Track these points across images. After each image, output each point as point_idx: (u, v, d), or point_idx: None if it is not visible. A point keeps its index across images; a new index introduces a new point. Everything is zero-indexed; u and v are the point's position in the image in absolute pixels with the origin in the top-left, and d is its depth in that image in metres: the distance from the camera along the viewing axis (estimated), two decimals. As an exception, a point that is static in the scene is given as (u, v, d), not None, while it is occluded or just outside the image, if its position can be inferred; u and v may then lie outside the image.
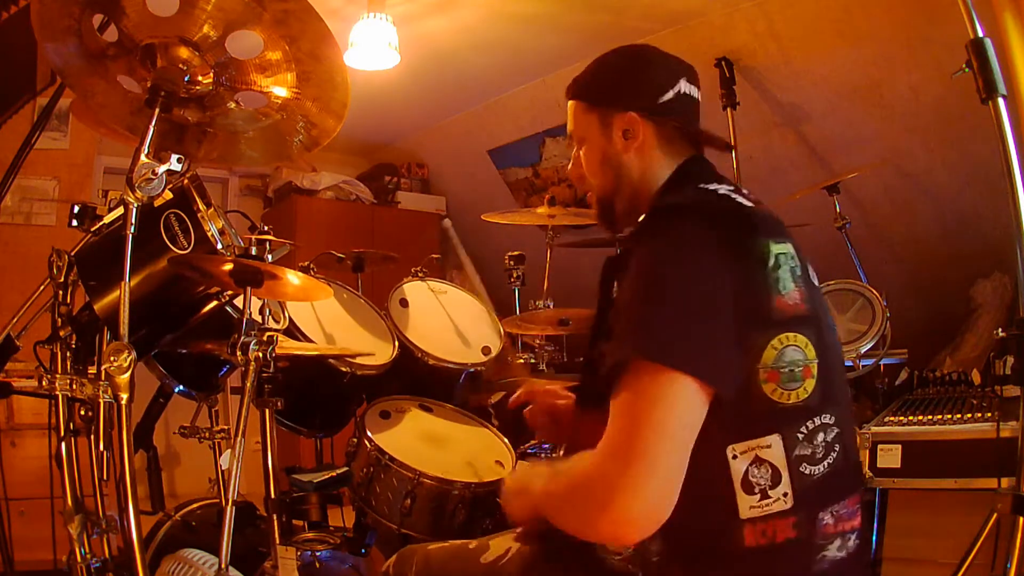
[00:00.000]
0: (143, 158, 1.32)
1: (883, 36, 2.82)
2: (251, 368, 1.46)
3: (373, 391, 2.18)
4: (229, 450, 1.43)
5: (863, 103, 3.05)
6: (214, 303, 1.67)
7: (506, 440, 2.15)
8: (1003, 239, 1.70)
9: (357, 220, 4.64)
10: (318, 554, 1.83)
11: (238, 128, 1.61)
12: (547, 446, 2.50)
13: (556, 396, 1.39)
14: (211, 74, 1.47)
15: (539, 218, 2.83)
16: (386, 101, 3.83)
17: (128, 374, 1.26)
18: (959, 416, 1.92)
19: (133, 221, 1.31)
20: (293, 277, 1.58)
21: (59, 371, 1.48)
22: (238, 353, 1.46)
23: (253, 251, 1.58)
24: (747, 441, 0.93)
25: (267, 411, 1.61)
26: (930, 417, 1.97)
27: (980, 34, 1.57)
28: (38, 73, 2.21)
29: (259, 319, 1.71)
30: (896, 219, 3.29)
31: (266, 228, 1.65)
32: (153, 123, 1.36)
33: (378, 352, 2.18)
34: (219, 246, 1.56)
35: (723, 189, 1.07)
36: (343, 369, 2.03)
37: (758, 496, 0.93)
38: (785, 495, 0.94)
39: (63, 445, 1.48)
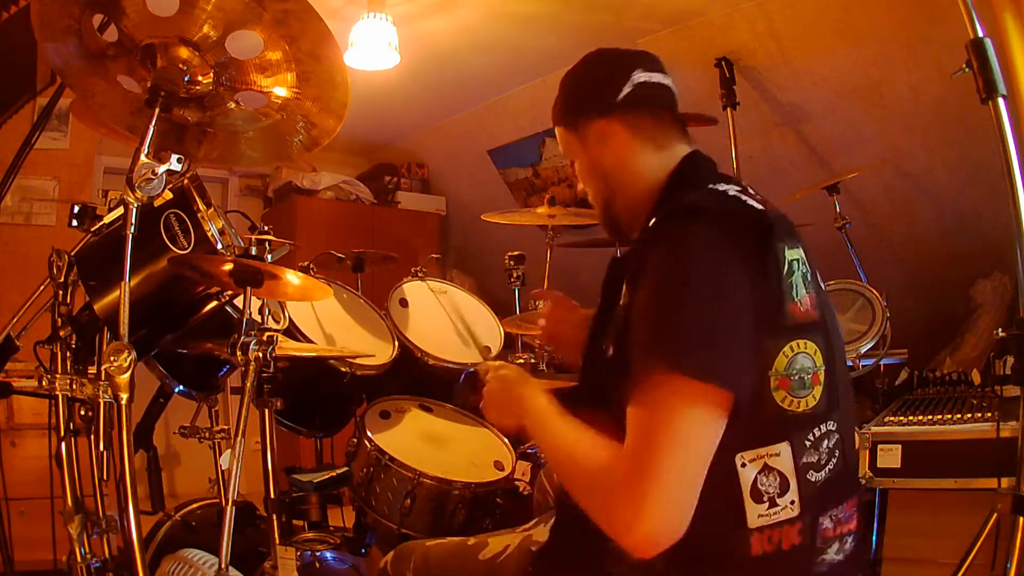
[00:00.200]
0: (143, 158, 1.32)
1: (883, 36, 2.82)
2: (251, 368, 1.46)
3: (373, 391, 2.18)
4: (229, 450, 1.43)
5: (863, 103, 3.05)
6: (214, 303, 1.67)
7: (506, 440, 2.15)
8: (1003, 239, 1.70)
9: (357, 220, 4.64)
10: (318, 554, 1.83)
11: (238, 128, 1.61)
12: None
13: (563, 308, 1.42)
14: (211, 74, 1.47)
15: (539, 218, 2.83)
16: (386, 101, 3.83)
17: (128, 374, 1.26)
18: (959, 416, 1.92)
19: (133, 221, 1.31)
20: (293, 277, 1.58)
21: (59, 371, 1.48)
22: (238, 353, 1.46)
23: (253, 251, 1.58)
24: (756, 449, 0.92)
25: (267, 411, 1.61)
26: (930, 417, 1.97)
27: (980, 34, 1.57)
28: (38, 73, 2.21)
29: (259, 319, 1.71)
30: (896, 219, 3.29)
31: (266, 228, 1.65)
32: (153, 123, 1.36)
33: (378, 352, 2.18)
34: (219, 246, 1.56)
35: (732, 190, 1.05)
36: (343, 369, 2.03)
37: (766, 504, 0.92)
38: (792, 503, 0.93)
39: (63, 445, 1.48)
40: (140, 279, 1.49)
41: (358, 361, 2.06)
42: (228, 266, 1.49)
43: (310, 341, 2.06)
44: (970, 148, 2.83)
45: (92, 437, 1.42)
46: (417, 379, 2.26)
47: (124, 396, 1.27)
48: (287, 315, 2.00)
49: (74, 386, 1.41)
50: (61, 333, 1.49)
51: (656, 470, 0.85)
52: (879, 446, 1.91)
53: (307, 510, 1.92)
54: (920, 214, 3.22)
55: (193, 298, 1.64)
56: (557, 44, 3.35)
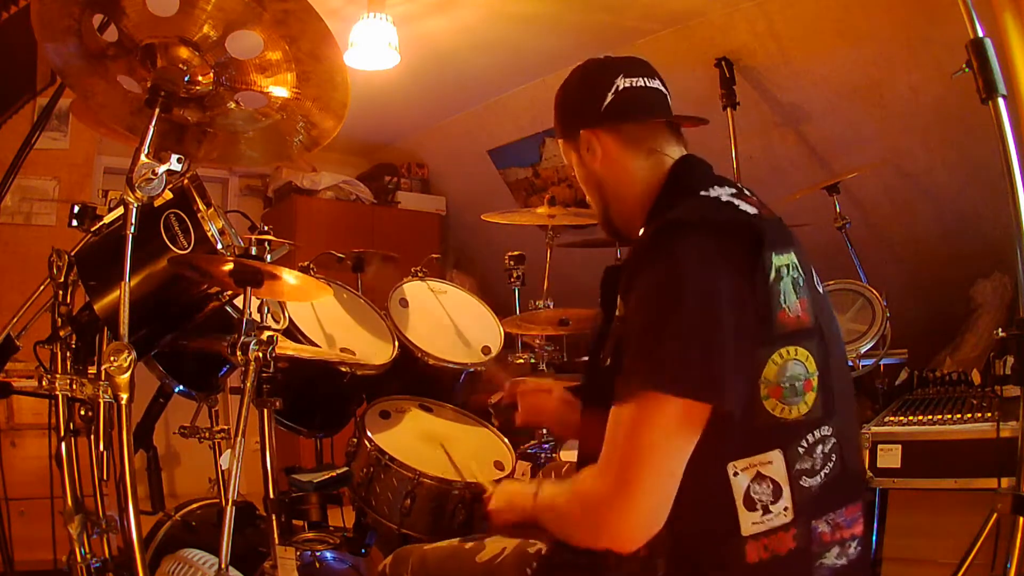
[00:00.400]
0: (143, 158, 1.32)
1: (883, 36, 2.82)
2: (251, 368, 1.46)
3: (373, 391, 2.18)
4: (229, 450, 1.43)
5: (863, 103, 3.05)
6: (214, 303, 1.67)
7: (506, 440, 2.15)
8: (1003, 239, 1.70)
9: (357, 220, 4.64)
10: (318, 554, 1.83)
11: (238, 128, 1.61)
12: (547, 446, 2.50)
13: (539, 391, 1.45)
14: (211, 74, 1.47)
15: (539, 218, 2.83)
16: (386, 101, 3.83)
17: (128, 374, 1.26)
18: (959, 416, 1.92)
19: (133, 221, 1.31)
20: (293, 277, 1.58)
21: (59, 371, 1.48)
22: (238, 353, 1.46)
23: (253, 251, 1.58)
24: (748, 458, 0.93)
25: (267, 411, 1.61)
26: (930, 417, 1.97)
27: (980, 34, 1.57)
28: (38, 73, 2.21)
29: (259, 319, 1.71)
30: (896, 219, 3.29)
31: (266, 228, 1.65)
32: (153, 123, 1.36)
33: (378, 352, 2.18)
34: (219, 246, 1.56)
35: (725, 195, 1.05)
36: (343, 369, 2.03)
37: (760, 512, 0.93)
38: (786, 509, 0.94)
39: (63, 445, 1.48)
40: (140, 279, 1.49)
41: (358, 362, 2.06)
42: (228, 266, 1.49)
43: (310, 341, 2.06)
44: (970, 148, 2.83)
45: (92, 437, 1.42)
46: (417, 379, 2.26)
47: (124, 396, 1.27)
48: (287, 315, 2.00)
49: (74, 386, 1.41)
50: (61, 333, 1.49)
51: (630, 478, 0.89)
52: (879, 446, 1.91)
53: (307, 510, 1.92)
54: (920, 214, 3.22)
55: (193, 298, 1.64)
56: (557, 44, 3.35)
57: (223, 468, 1.55)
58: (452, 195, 5.06)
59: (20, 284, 1.82)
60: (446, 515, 1.85)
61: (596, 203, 1.22)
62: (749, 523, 0.92)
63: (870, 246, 3.17)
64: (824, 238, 2.89)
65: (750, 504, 0.92)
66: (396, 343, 2.26)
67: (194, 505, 2.08)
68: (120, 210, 1.40)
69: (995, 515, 1.51)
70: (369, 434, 1.92)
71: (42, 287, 1.56)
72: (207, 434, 1.93)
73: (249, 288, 1.50)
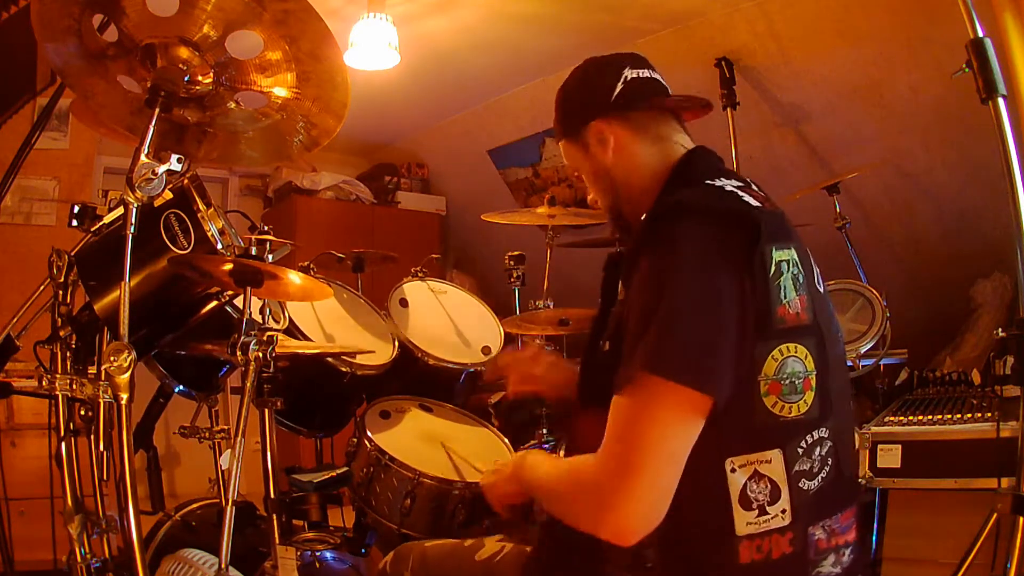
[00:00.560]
0: (143, 158, 1.31)
1: (883, 36, 2.82)
2: (251, 368, 1.46)
3: (373, 391, 2.18)
4: (229, 450, 1.43)
5: (863, 103, 3.05)
6: (214, 303, 1.67)
7: (506, 440, 2.15)
8: (1003, 239, 1.70)
9: (357, 220, 4.64)
10: (318, 554, 1.83)
11: (238, 128, 1.61)
12: (547, 446, 2.50)
13: (523, 359, 1.43)
14: (211, 74, 1.47)
15: (539, 218, 2.83)
16: (386, 101, 3.83)
17: (128, 374, 1.26)
18: (959, 416, 1.92)
19: (133, 221, 1.31)
20: (293, 277, 1.58)
21: (59, 371, 1.48)
22: (238, 353, 1.46)
23: (253, 251, 1.58)
24: (747, 455, 0.92)
25: (267, 411, 1.61)
26: (930, 417, 1.97)
27: (980, 34, 1.57)
28: (38, 73, 2.21)
29: (259, 319, 1.71)
30: (896, 219, 3.29)
31: (266, 228, 1.65)
32: (153, 123, 1.36)
33: (378, 352, 2.18)
34: (219, 246, 1.56)
35: (730, 186, 1.04)
36: (343, 369, 2.03)
37: (756, 512, 0.92)
38: (783, 511, 0.93)
39: (63, 445, 1.48)
40: (140, 279, 1.49)
41: (358, 361, 2.06)
42: (228, 266, 1.49)
43: (310, 341, 2.06)
44: (970, 148, 2.83)
45: (92, 437, 1.42)
46: (417, 379, 2.26)
47: (124, 396, 1.27)
48: (287, 315, 2.00)
49: (74, 386, 1.41)
50: (61, 333, 1.49)
51: (634, 465, 0.87)
52: (879, 446, 1.91)
53: (307, 510, 1.92)
54: (920, 214, 3.22)
55: (193, 298, 1.64)
56: (557, 44, 3.35)
57: (223, 468, 1.54)
58: (452, 195, 5.06)
59: (20, 284, 1.82)
60: (446, 515, 1.85)
61: (606, 197, 1.20)
62: (744, 523, 0.91)
63: (870, 246, 3.17)
64: (824, 238, 2.88)
65: (746, 503, 0.91)
66: (396, 343, 2.26)
67: (194, 505, 2.08)
68: (120, 210, 1.40)
69: (995, 515, 1.51)
70: (369, 434, 1.92)
71: (42, 287, 1.56)
72: (207, 434, 1.93)
73: (249, 288, 1.50)
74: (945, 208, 3.13)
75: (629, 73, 1.16)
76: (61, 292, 1.49)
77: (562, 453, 2.44)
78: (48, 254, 1.50)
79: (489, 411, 2.42)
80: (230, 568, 1.34)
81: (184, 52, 1.41)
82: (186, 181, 1.56)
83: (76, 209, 1.53)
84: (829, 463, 0.97)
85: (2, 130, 2.34)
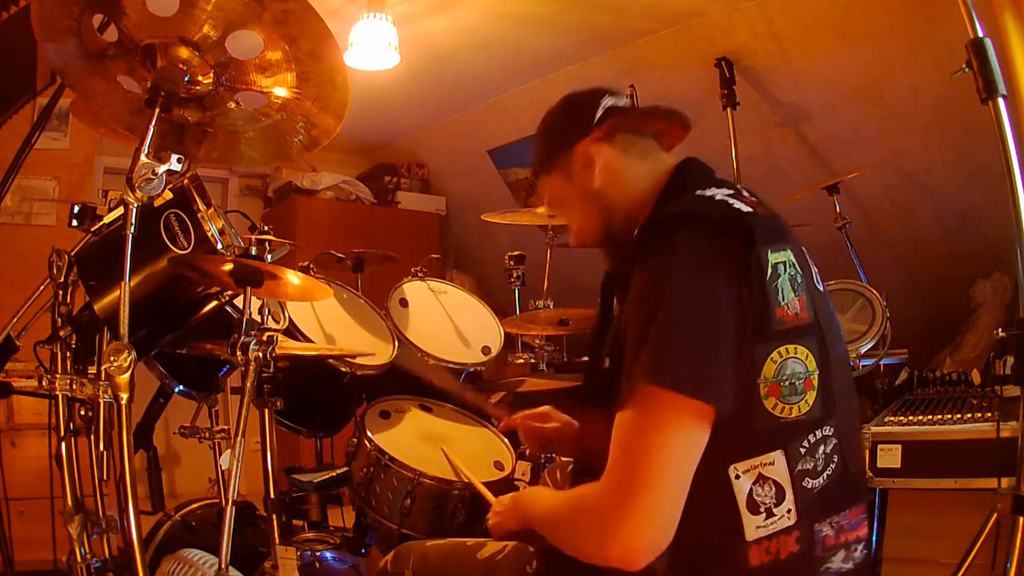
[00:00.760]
0: (143, 158, 1.31)
1: (883, 36, 2.82)
2: (251, 368, 1.46)
3: (373, 391, 2.18)
4: (229, 450, 1.43)
5: (863, 103, 3.05)
6: (214, 303, 1.67)
7: (506, 440, 2.15)
8: (1003, 239, 1.70)
9: (357, 220, 4.64)
10: (318, 554, 1.83)
11: (238, 128, 1.61)
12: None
13: (538, 421, 1.44)
14: (211, 74, 1.47)
15: (539, 218, 2.83)
16: (386, 101, 3.83)
17: (128, 374, 1.26)
18: (959, 416, 1.92)
19: (133, 221, 1.31)
20: (293, 277, 1.58)
21: (59, 371, 1.48)
22: (238, 353, 1.46)
23: (253, 251, 1.58)
24: (750, 460, 0.91)
25: (267, 411, 1.61)
26: (930, 417, 1.97)
27: (980, 34, 1.57)
28: (38, 73, 2.21)
29: (259, 319, 1.71)
30: (896, 219, 3.29)
31: (266, 228, 1.65)
32: (153, 123, 1.36)
33: (378, 352, 2.18)
34: (219, 246, 1.56)
35: (720, 194, 1.04)
36: (343, 369, 2.03)
37: (763, 515, 0.91)
38: (789, 511, 0.92)
39: (63, 445, 1.48)
40: (140, 279, 1.49)
41: (358, 361, 2.06)
42: (228, 266, 1.49)
43: (310, 341, 2.06)
44: (970, 148, 2.83)
45: (92, 437, 1.42)
46: (417, 379, 2.26)
47: (124, 396, 1.27)
48: (287, 315, 2.00)
49: (74, 386, 1.41)
50: (61, 333, 1.49)
51: (641, 482, 0.86)
52: (879, 446, 1.91)
53: (307, 510, 1.92)
54: (920, 214, 3.22)
55: (193, 298, 1.64)
56: (557, 44, 3.35)
57: (223, 468, 1.54)
58: (452, 195, 5.06)
59: (20, 284, 1.82)
60: (446, 515, 1.85)
61: (597, 221, 1.19)
62: (753, 527, 0.91)
63: (870, 246, 3.17)
64: (824, 238, 2.88)
65: (753, 507, 0.91)
66: (396, 343, 2.26)
67: (194, 505, 2.08)
68: (120, 210, 1.40)
69: (995, 515, 1.51)
70: (369, 434, 1.92)
71: (42, 287, 1.56)
72: (207, 434, 1.93)
73: (249, 288, 1.50)
74: (945, 208, 3.13)
75: (607, 101, 1.18)
76: (61, 292, 1.49)
77: (561, 457, 2.45)
78: (48, 254, 1.50)
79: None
80: (230, 568, 1.34)
81: (184, 52, 1.41)
82: (186, 181, 1.56)
83: (76, 209, 1.53)
84: (835, 461, 0.97)
85: (2, 130, 2.34)
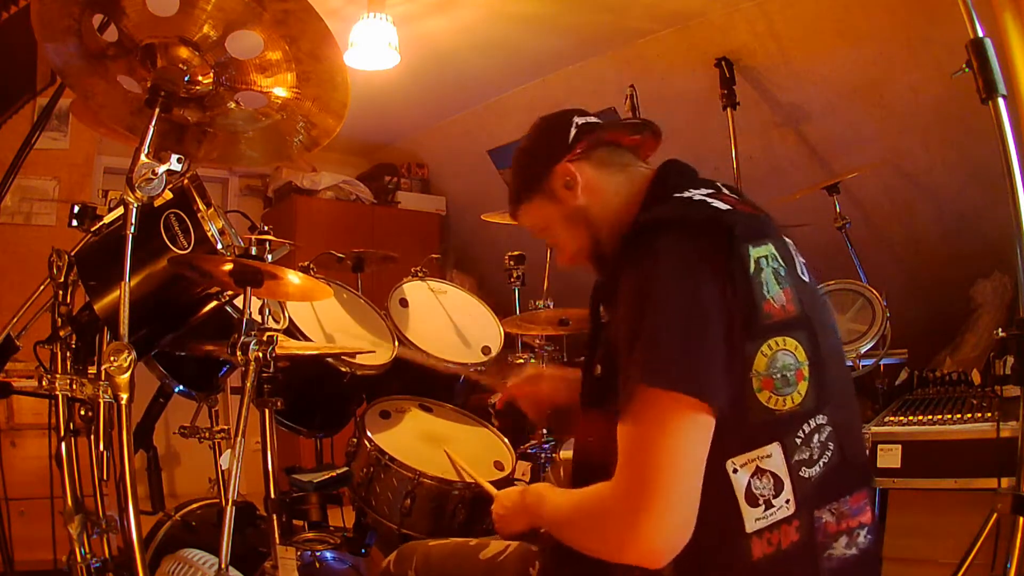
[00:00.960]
0: (143, 158, 1.31)
1: (883, 36, 2.82)
2: (251, 368, 1.46)
3: (373, 391, 2.18)
4: (229, 450, 1.43)
5: (863, 103, 3.05)
6: (214, 303, 1.67)
7: (506, 440, 2.16)
8: (1003, 239, 1.70)
9: (357, 220, 4.64)
10: (318, 554, 1.83)
11: (238, 128, 1.61)
12: (547, 446, 2.50)
13: (529, 385, 1.43)
14: (211, 74, 1.47)
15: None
16: (386, 101, 3.83)
17: (128, 374, 1.26)
18: (959, 416, 1.92)
19: (133, 221, 1.31)
20: (293, 277, 1.58)
21: (59, 371, 1.48)
22: (238, 353, 1.46)
23: (253, 251, 1.58)
24: (747, 453, 0.92)
25: (267, 411, 1.61)
26: (930, 417, 1.97)
27: (980, 34, 1.57)
28: (38, 73, 2.21)
29: (259, 319, 1.71)
30: (896, 219, 3.29)
31: (266, 228, 1.65)
32: (153, 123, 1.36)
33: (378, 352, 2.18)
34: (219, 246, 1.56)
35: (699, 195, 1.05)
36: (343, 369, 2.03)
37: (762, 507, 0.92)
38: (788, 501, 0.93)
39: (63, 445, 1.48)
40: (140, 279, 1.49)
41: (358, 360, 2.06)
42: (228, 266, 1.49)
43: (310, 341, 2.06)
44: (970, 148, 2.83)
45: (92, 437, 1.42)
46: (417, 379, 2.26)
47: (124, 396, 1.27)
48: (287, 315, 2.00)
49: (74, 386, 1.41)
50: (61, 333, 1.49)
51: (653, 484, 0.87)
52: (879, 446, 1.92)
53: (307, 510, 1.92)
54: (920, 214, 3.22)
55: (193, 298, 1.64)
56: (557, 44, 3.35)
57: (223, 468, 1.54)
58: (452, 195, 5.06)
59: (20, 284, 1.82)
60: (446, 515, 1.85)
61: (583, 238, 1.20)
62: (753, 519, 0.92)
63: (870, 246, 3.17)
64: (824, 238, 2.89)
65: (752, 500, 0.92)
66: (396, 343, 2.26)
67: (194, 505, 2.08)
68: (120, 210, 1.40)
69: (995, 515, 1.51)
70: (369, 434, 1.92)
71: (42, 287, 1.56)
72: (207, 434, 1.93)
73: (249, 288, 1.50)
74: (945, 208, 3.13)
75: (578, 119, 1.20)
76: (61, 292, 1.49)
77: (560, 454, 2.45)
78: (48, 254, 1.50)
79: (489, 411, 2.42)
80: (230, 568, 1.34)
81: (184, 52, 1.41)
82: (186, 181, 1.56)
83: (76, 209, 1.53)
84: (830, 449, 0.97)
85: (2, 130, 2.34)
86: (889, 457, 1.90)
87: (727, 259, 0.94)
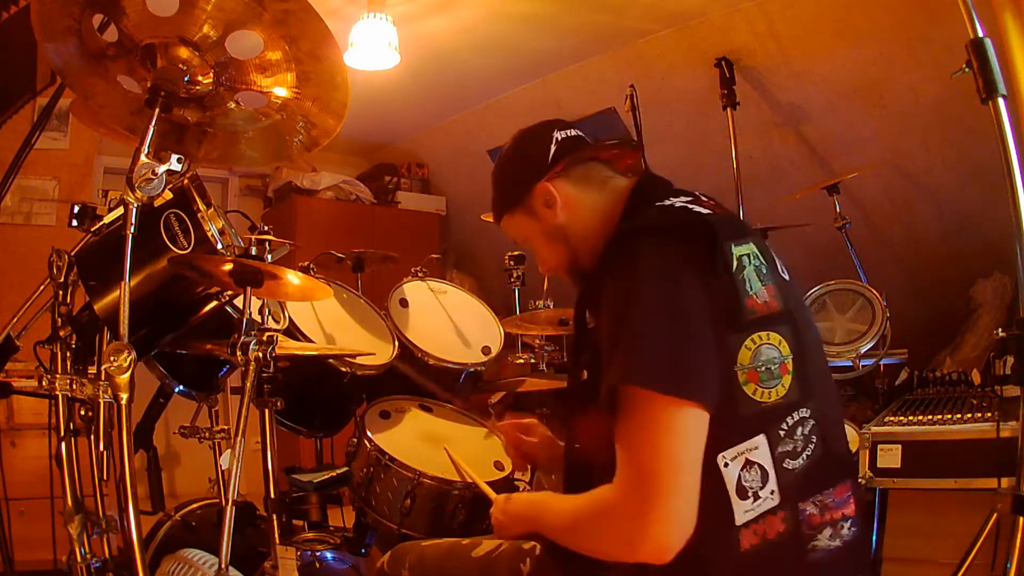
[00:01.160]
0: (143, 158, 1.32)
1: (883, 36, 2.82)
2: (251, 368, 1.46)
3: (373, 391, 2.18)
4: (229, 450, 1.43)
5: (863, 103, 3.05)
6: (214, 303, 1.67)
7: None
8: (1003, 239, 1.70)
9: (357, 220, 4.64)
10: (318, 554, 1.83)
11: (238, 128, 1.61)
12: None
13: (527, 433, 1.45)
14: (211, 74, 1.47)
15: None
16: (386, 101, 3.83)
17: (128, 374, 1.26)
18: (959, 416, 1.92)
19: (133, 221, 1.31)
20: (293, 277, 1.58)
21: (59, 371, 1.48)
22: (238, 353, 1.46)
23: (253, 251, 1.58)
24: (737, 447, 0.94)
25: (267, 411, 1.61)
26: (930, 417, 1.97)
27: (980, 34, 1.57)
28: (38, 73, 2.21)
29: (259, 319, 1.71)
30: (896, 219, 3.29)
31: (266, 228, 1.65)
32: (153, 123, 1.36)
33: (378, 352, 2.18)
34: (219, 246, 1.56)
35: (678, 203, 1.08)
36: (343, 369, 2.03)
37: (751, 499, 0.94)
38: (772, 492, 0.95)
39: (63, 445, 1.48)
40: (140, 279, 1.49)
41: (358, 361, 2.06)
42: (228, 266, 1.49)
43: (310, 341, 2.06)
44: (970, 148, 2.83)
45: (92, 437, 1.42)
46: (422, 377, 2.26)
47: (124, 396, 1.27)
48: (287, 315, 2.00)
49: (74, 386, 1.41)
50: (61, 333, 1.49)
51: (657, 482, 0.88)
52: (879, 446, 1.92)
53: (307, 510, 1.92)
54: (920, 214, 3.22)
55: (193, 298, 1.64)
56: (557, 44, 3.35)
57: (223, 468, 1.54)
58: (452, 195, 5.06)
59: (20, 284, 1.82)
60: (446, 515, 1.85)
61: (562, 254, 1.22)
62: (742, 511, 0.94)
63: (870, 246, 3.17)
64: (824, 238, 2.89)
65: (742, 493, 0.94)
66: (396, 343, 2.26)
67: (194, 505, 2.08)
68: (120, 210, 1.40)
69: (995, 515, 1.51)
70: (369, 434, 1.92)
71: (42, 287, 1.56)
72: (207, 434, 1.93)
73: (249, 288, 1.50)
74: (945, 208, 3.14)
75: (559, 135, 1.21)
76: (61, 292, 1.49)
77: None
78: (48, 254, 1.50)
79: (489, 411, 2.42)
80: (230, 568, 1.34)
81: (184, 52, 1.41)
82: (186, 181, 1.56)
83: (76, 209, 1.53)
84: (813, 441, 0.99)
85: (2, 130, 2.34)
86: (889, 457, 1.90)
87: (709, 257, 0.96)
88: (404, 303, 2.45)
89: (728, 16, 3.06)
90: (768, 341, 0.97)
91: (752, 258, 1.00)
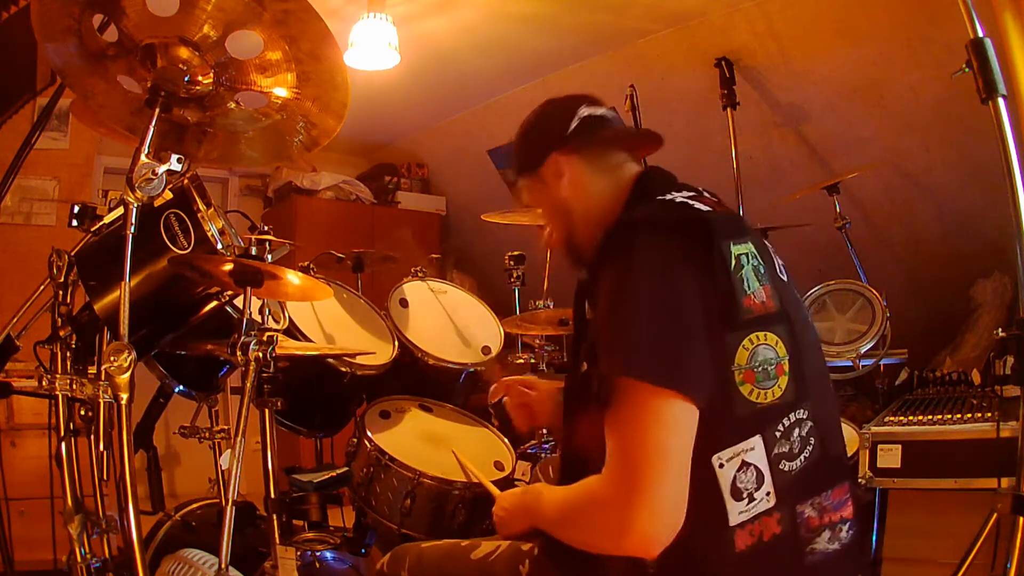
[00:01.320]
0: (143, 158, 1.32)
1: (883, 36, 2.82)
2: (251, 368, 1.46)
3: (373, 391, 2.18)
4: (229, 450, 1.43)
5: (863, 103, 3.05)
6: (214, 303, 1.67)
7: (506, 440, 2.15)
8: (1003, 239, 1.70)
9: (357, 220, 4.64)
10: (318, 554, 1.83)
11: (238, 128, 1.61)
12: (547, 446, 2.50)
13: (527, 388, 1.45)
14: (211, 74, 1.47)
15: (539, 218, 2.82)
16: (386, 101, 3.83)
17: (128, 374, 1.26)
18: (959, 416, 1.92)
19: (133, 221, 1.31)
20: (293, 277, 1.58)
21: (59, 371, 1.48)
22: (238, 353, 1.46)
23: (253, 251, 1.58)
24: (732, 447, 0.93)
25: (267, 411, 1.61)
26: (930, 417, 1.97)
27: (980, 34, 1.57)
28: (38, 73, 2.21)
29: (259, 319, 1.71)
30: (896, 219, 3.29)
31: (266, 228, 1.65)
32: (153, 123, 1.36)
33: (378, 352, 2.18)
34: (219, 246, 1.56)
35: (680, 197, 1.08)
36: (343, 369, 2.03)
37: (746, 500, 0.93)
38: (768, 494, 0.95)
39: (63, 445, 1.48)
40: (140, 279, 1.49)
41: (358, 361, 2.06)
42: (228, 266, 1.49)
43: (310, 341, 2.06)
44: (970, 148, 2.83)
45: (92, 437, 1.42)
46: (417, 379, 2.26)
47: (124, 396, 1.27)
48: (287, 315, 2.00)
49: (74, 386, 1.41)
50: (61, 333, 1.49)
51: (643, 473, 0.88)
52: (879, 446, 1.91)
53: (307, 510, 1.92)
54: (920, 214, 3.22)
55: (193, 298, 1.64)
56: (557, 44, 3.35)
57: (223, 468, 1.54)
58: (452, 195, 5.05)
59: (20, 284, 1.82)
60: (446, 515, 1.85)
61: (561, 229, 1.24)
62: (737, 512, 0.93)
63: (870, 246, 3.17)
64: (824, 238, 2.89)
65: (737, 494, 0.93)
66: (396, 343, 2.26)
67: (194, 505, 2.08)
68: (120, 210, 1.40)
69: (995, 515, 1.51)
70: (369, 434, 1.92)
71: (42, 287, 1.56)
72: (207, 434, 1.93)
73: (249, 288, 1.50)
74: (945, 208, 3.13)
75: (584, 111, 1.21)
76: (61, 292, 1.49)
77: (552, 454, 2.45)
78: (48, 254, 1.50)
79: (489, 411, 2.42)
80: (230, 568, 1.34)
81: (184, 52, 1.41)
82: (186, 181, 1.56)
83: (76, 209, 1.53)
84: (811, 443, 0.99)
85: (2, 130, 2.34)
86: (889, 457, 1.90)
87: (707, 255, 0.96)
88: (404, 303, 2.45)
89: (728, 16, 3.06)
90: (765, 341, 0.96)
91: (750, 257, 1.00)
